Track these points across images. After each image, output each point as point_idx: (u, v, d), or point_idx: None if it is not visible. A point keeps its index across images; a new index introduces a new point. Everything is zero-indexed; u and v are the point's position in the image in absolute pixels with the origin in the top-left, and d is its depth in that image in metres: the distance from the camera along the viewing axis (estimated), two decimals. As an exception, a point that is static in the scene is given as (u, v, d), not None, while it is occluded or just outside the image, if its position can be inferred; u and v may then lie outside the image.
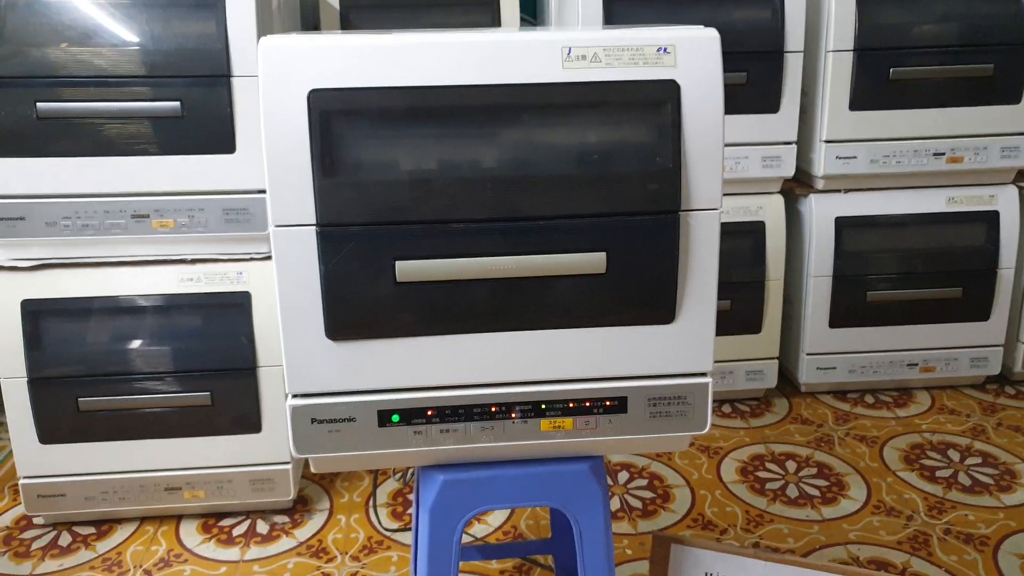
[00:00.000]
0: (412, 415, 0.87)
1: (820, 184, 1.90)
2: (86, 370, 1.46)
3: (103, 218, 1.41)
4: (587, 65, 0.81)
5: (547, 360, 0.87)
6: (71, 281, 1.45)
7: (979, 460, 1.74)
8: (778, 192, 1.91)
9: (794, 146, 1.83)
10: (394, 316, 0.84)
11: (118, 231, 1.42)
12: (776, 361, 1.98)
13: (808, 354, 1.98)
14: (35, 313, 1.44)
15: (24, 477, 1.51)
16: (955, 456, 1.76)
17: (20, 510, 1.63)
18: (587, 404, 0.89)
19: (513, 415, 0.88)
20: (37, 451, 1.49)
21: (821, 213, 1.90)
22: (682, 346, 0.88)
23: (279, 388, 1.49)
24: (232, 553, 1.50)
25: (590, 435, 0.90)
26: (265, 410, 1.51)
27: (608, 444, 0.92)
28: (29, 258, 1.45)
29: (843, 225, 1.91)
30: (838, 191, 1.91)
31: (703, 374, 0.89)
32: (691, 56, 0.82)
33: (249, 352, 1.47)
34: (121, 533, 1.56)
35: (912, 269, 1.94)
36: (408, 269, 0.82)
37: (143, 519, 1.60)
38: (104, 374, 1.47)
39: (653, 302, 0.86)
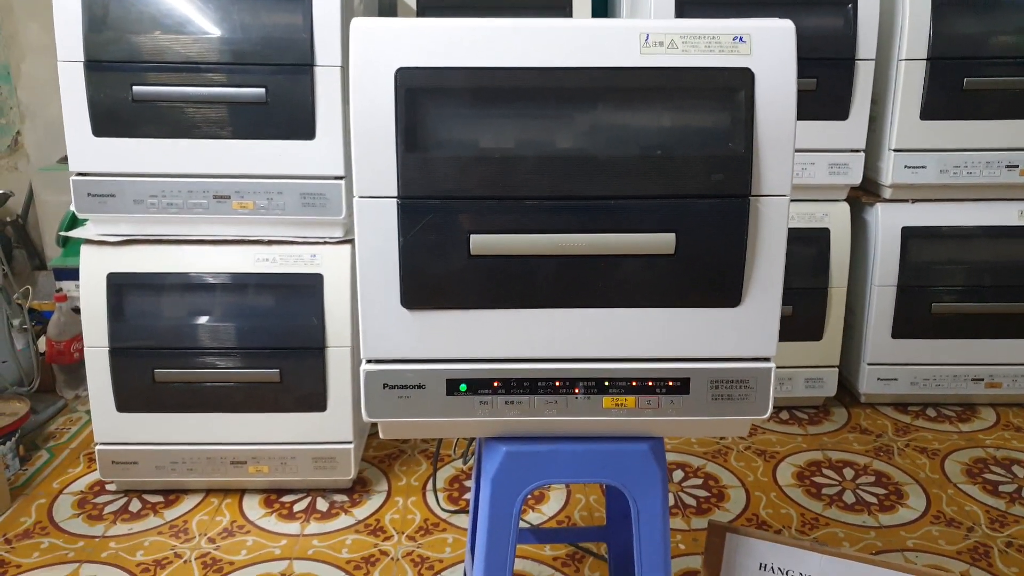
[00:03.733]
0: (479, 385, 0.90)
1: (887, 193, 1.89)
2: (163, 343, 1.53)
3: (187, 197, 1.48)
4: (664, 51, 0.83)
5: (613, 338, 0.89)
6: (154, 257, 1.53)
7: (1045, 478, 1.70)
8: (844, 200, 1.90)
9: (862, 154, 1.82)
10: (467, 288, 0.87)
11: (200, 210, 1.49)
12: (836, 370, 1.96)
13: (869, 364, 1.96)
14: (119, 286, 1.52)
15: (100, 443, 1.59)
16: (1020, 472, 1.72)
17: (95, 476, 1.71)
18: (650, 384, 0.91)
19: (577, 391, 0.91)
20: (114, 418, 1.57)
21: (887, 222, 1.88)
22: (747, 330, 0.89)
23: (346, 369, 1.54)
24: (292, 527, 1.55)
25: (651, 414, 0.91)
26: (331, 390, 1.55)
27: (669, 424, 0.93)
28: (117, 233, 1.53)
29: (909, 235, 1.88)
30: (905, 201, 1.89)
31: (767, 359, 0.91)
32: (766, 46, 0.84)
33: (319, 332, 1.52)
34: (188, 503, 1.63)
35: (980, 282, 1.90)
36: (482, 243, 0.85)
37: (209, 491, 1.66)
38: (180, 347, 1.54)
39: (720, 285, 0.87)
